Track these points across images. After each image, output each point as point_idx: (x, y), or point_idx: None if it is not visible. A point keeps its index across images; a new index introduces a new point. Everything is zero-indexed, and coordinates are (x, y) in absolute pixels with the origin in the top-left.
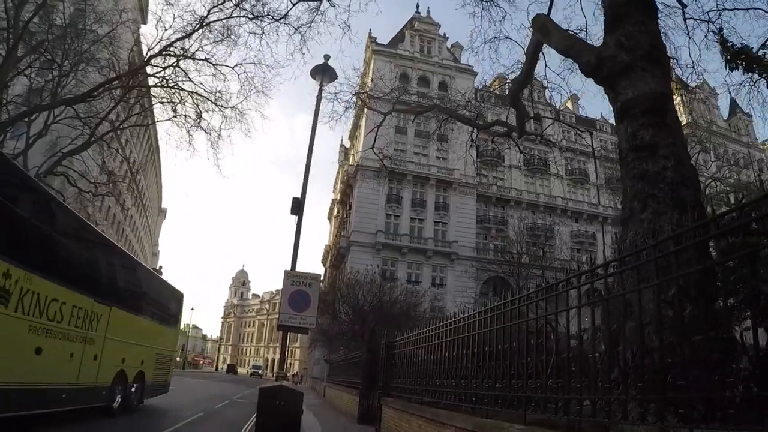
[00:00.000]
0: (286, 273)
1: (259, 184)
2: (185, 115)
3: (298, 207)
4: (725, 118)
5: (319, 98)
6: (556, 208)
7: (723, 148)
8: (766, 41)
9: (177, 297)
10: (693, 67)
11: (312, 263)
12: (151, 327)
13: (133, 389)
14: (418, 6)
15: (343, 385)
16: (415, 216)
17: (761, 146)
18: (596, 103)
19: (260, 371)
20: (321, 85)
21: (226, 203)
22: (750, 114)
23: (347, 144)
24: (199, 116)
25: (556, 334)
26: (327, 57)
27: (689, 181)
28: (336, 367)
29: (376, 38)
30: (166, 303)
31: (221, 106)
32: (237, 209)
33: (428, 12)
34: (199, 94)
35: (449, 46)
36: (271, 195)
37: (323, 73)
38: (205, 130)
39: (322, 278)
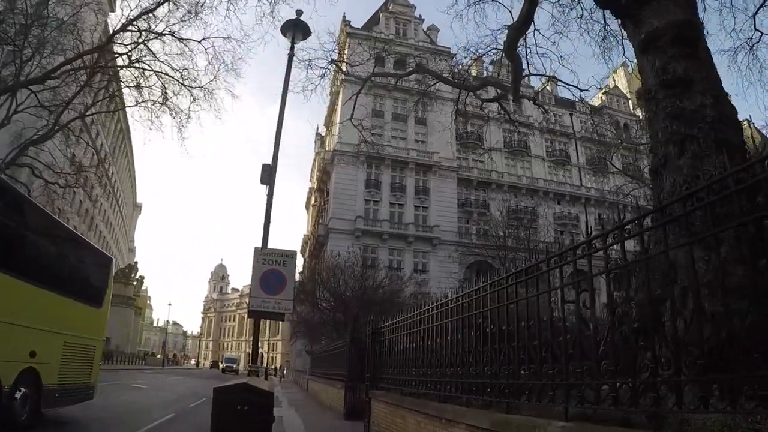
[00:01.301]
0: (257, 250)
1: (236, 179)
2: (152, 100)
3: (268, 175)
4: None
5: (290, 56)
6: (539, 190)
7: None
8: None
9: (101, 263)
10: None
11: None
12: (55, 304)
13: (17, 396)
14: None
15: (327, 378)
16: (395, 201)
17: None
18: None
19: (234, 365)
20: (293, 42)
21: (202, 199)
22: (728, 94)
23: (323, 132)
24: (165, 98)
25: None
26: (299, 12)
27: (730, 120)
28: (318, 359)
29: (350, 21)
30: (83, 270)
31: (189, 85)
32: (213, 204)
33: None
34: (165, 74)
35: (425, 29)
36: (248, 188)
37: (294, 28)
38: (171, 111)
39: (301, 269)
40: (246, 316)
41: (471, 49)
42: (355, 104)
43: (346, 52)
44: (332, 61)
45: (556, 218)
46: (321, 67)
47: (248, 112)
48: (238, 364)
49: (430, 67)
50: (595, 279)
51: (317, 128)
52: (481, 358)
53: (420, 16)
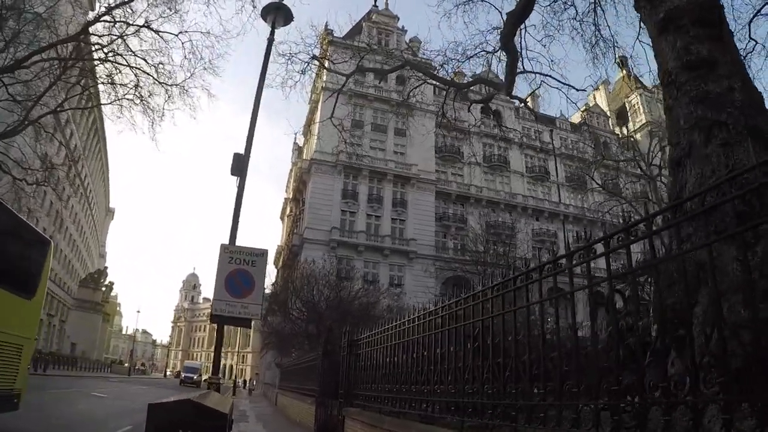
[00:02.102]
0: (223, 247)
1: (211, 186)
2: (127, 98)
3: (240, 165)
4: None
5: (270, 40)
6: (517, 206)
7: None
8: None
9: (36, 245)
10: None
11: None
12: None
13: None
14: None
15: (297, 392)
16: (372, 213)
17: None
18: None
19: (195, 376)
20: (273, 27)
21: (175, 207)
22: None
23: (301, 143)
24: (140, 97)
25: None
26: None
27: (758, 106)
28: (289, 372)
29: (332, 30)
30: (8, 249)
31: (164, 82)
32: (187, 212)
33: (386, 4)
34: (140, 69)
35: (407, 41)
36: (222, 196)
37: (276, 12)
38: (145, 107)
39: (273, 280)
40: (216, 326)
41: (459, 50)
42: (336, 100)
43: (326, 61)
44: (314, 57)
45: (534, 234)
46: (303, 61)
47: (226, 115)
48: (200, 375)
49: (411, 78)
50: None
51: (295, 138)
52: (479, 373)
53: (403, 27)
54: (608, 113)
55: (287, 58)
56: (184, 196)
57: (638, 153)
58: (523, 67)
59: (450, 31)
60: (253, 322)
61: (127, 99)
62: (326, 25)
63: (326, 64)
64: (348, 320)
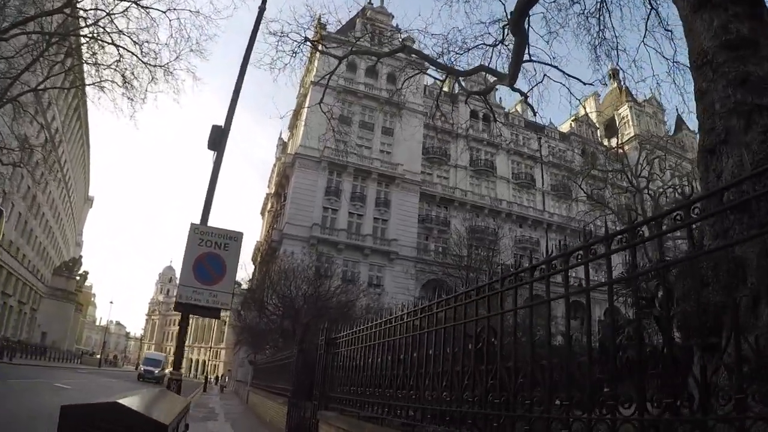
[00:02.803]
0: (193, 227)
1: (191, 179)
2: (109, 80)
3: (218, 139)
4: (671, 134)
5: (262, 9)
6: (501, 212)
7: (671, 161)
8: None
9: None
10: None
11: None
12: None
13: None
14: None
15: (270, 391)
16: (354, 211)
17: None
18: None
19: (157, 370)
20: None
21: (155, 198)
22: (695, 131)
23: (286, 138)
24: (123, 80)
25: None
26: None
27: None
28: (262, 370)
29: (325, 24)
30: None
31: (148, 63)
32: (167, 205)
33: (382, 1)
34: (125, 48)
35: (401, 39)
36: (204, 190)
37: None
38: (127, 86)
39: (251, 276)
40: (191, 321)
41: (459, 40)
42: (327, 85)
43: (317, 54)
44: (306, 39)
45: (516, 241)
46: (294, 41)
47: (212, 104)
48: (164, 369)
49: (403, 77)
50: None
51: (280, 133)
52: (482, 379)
53: (397, 25)
54: (597, 124)
55: (278, 36)
56: (163, 189)
57: (627, 165)
58: (530, 56)
59: (450, 20)
60: (228, 317)
61: (110, 81)
62: (319, 19)
63: (320, 48)
64: (325, 318)
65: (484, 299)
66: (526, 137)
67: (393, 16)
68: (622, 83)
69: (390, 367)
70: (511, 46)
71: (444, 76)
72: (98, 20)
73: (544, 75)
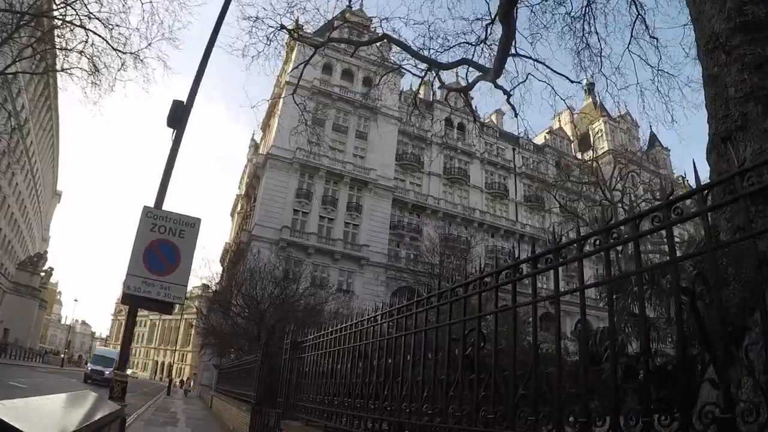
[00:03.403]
0: (146, 211)
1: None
2: (79, 68)
3: (179, 115)
4: (644, 150)
5: None
6: (474, 221)
7: (645, 177)
8: None
9: None
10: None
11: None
12: None
13: None
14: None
15: (233, 397)
16: (325, 215)
17: (678, 180)
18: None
19: (108, 371)
20: None
21: (123, 195)
22: (668, 148)
23: (258, 139)
24: (93, 68)
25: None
26: None
27: None
28: (226, 374)
29: (302, 25)
30: None
31: (118, 49)
32: (136, 202)
33: (361, 5)
34: (96, 33)
35: (378, 45)
36: (176, 188)
37: None
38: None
39: (218, 278)
40: (158, 323)
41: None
42: (301, 74)
43: (293, 55)
44: (282, 27)
45: (488, 251)
46: (270, 27)
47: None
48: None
49: (380, 82)
50: None
51: (253, 134)
52: (472, 390)
53: (375, 30)
54: (572, 137)
55: (252, 20)
56: (132, 186)
57: (601, 178)
58: (515, 50)
59: (432, 17)
60: (194, 320)
61: (79, 68)
62: (296, 21)
63: (296, 35)
64: (292, 320)
65: (473, 296)
66: (500, 148)
67: (371, 20)
68: (597, 98)
69: (361, 374)
70: (494, 46)
71: (423, 72)
72: (70, 2)
73: (528, 74)
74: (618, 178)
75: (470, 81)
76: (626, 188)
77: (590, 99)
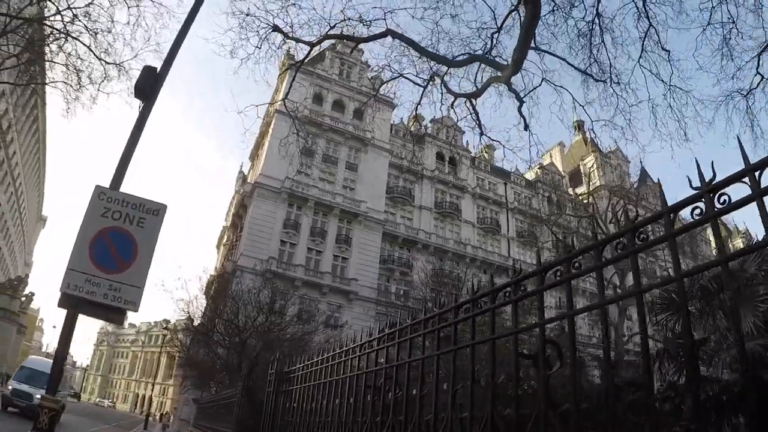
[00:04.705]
0: (98, 191)
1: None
2: (64, 81)
3: (149, 85)
4: (635, 186)
5: None
6: (466, 256)
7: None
8: None
9: None
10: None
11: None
12: None
13: None
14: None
15: None
16: (313, 247)
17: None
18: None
19: (38, 395)
20: None
21: None
22: (660, 182)
23: (246, 170)
24: (78, 80)
25: None
26: None
27: None
28: (205, 409)
29: (294, 56)
30: None
31: (102, 58)
32: None
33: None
34: (79, 40)
35: (369, 77)
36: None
37: None
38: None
39: (203, 310)
40: (140, 354)
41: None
42: (293, 78)
43: (284, 83)
44: (275, 28)
45: (482, 287)
46: (263, 27)
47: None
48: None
49: (370, 114)
50: None
51: (241, 165)
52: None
53: (366, 62)
54: (563, 173)
55: (242, 17)
56: None
57: (597, 212)
58: (535, 43)
59: (435, 27)
60: (177, 352)
61: (63, 82)
62: (287, 51)
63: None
64: (277, 351)
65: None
66: (492, 183)
67: (362, 51)
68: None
69: (369, 409)
70: (504, 53)
71: (425, 82)
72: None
73: (543, 79)
74: (611, 214)
75: (479, 86)
76: (621, 221)
77: (580, 135)
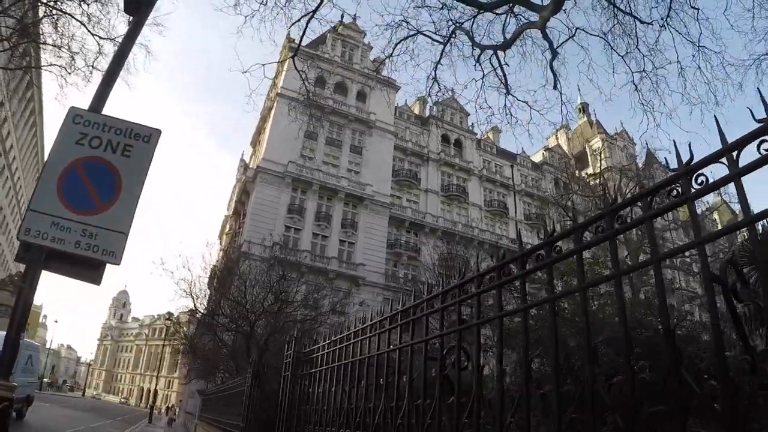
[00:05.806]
0: (73, 113)
1: (152, 195)
2: (59, 65)
3: None
4: (642, 168)
5: None
6: (474, 240)
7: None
8: None
9: None
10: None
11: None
12: None
13: None
14: (342, 16)
15: (218, 426)
16: (319, 232)
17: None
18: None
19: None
20: None
21: None
22: (668, 165)
23: (248, 158)
24: (72, 61)
25: None
26: None
27: None
28: (210, 401)
29: (294, 39)
30: None
31: (97, 35)
32: None
33: (354, 19)
34: (72, 15)
35: (372, 59)
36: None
37: None
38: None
39: (207, 295)
40: (144, 348)
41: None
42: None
43: (284, 67)
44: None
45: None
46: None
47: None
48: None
49: (374, 97)
50: None
51: (242, 154)
52: None
53: (369, 43)
54: (569, 155)
55: None
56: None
57: (608, 193)
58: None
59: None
60: (181, 346)
61: (57, 66)
62: (288, 35)
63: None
64: (289, 331)
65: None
66: (498, 165)
67: (365, 34)
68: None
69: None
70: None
71: (447, 35)
72: None
73: (576, 28)
74: (621, 193)
75: (508, 37)
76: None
77: (585, 118)
